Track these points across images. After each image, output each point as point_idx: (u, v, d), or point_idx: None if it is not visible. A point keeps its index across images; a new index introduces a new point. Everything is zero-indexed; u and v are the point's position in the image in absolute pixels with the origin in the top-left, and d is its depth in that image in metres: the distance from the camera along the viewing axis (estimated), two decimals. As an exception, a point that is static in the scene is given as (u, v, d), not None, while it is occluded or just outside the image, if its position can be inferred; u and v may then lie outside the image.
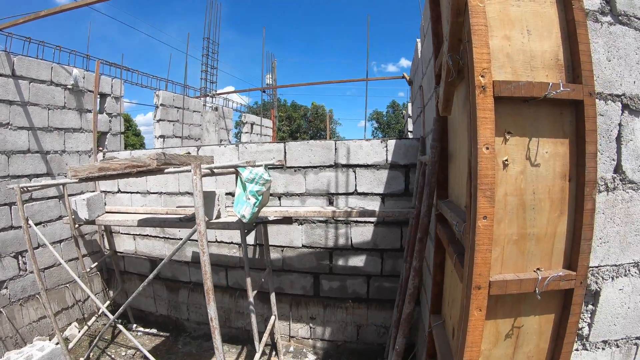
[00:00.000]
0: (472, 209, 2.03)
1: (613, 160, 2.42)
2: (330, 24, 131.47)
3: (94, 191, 7.82)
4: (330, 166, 6.74)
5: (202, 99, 16.74)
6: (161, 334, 8.00)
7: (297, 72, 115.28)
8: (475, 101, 1.96)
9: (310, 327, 7.22)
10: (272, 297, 6.68)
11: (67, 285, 7.74)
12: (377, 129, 52.34)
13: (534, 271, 2.14)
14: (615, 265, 2.46)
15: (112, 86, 9.41)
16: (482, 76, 1.95)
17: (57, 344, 5.90)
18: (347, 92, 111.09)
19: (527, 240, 2.14)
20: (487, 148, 1.93)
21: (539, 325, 2.27)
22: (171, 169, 4.43)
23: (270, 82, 25.65)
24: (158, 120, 13.03)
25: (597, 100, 2.32)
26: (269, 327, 6.51)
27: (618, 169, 2.42)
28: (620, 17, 2.42)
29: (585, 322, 2.51)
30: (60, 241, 7.75)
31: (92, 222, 6.68)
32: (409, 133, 14.71)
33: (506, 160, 2.07)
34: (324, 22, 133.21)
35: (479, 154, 1.94)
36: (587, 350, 2.55)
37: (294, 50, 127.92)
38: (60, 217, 7.69)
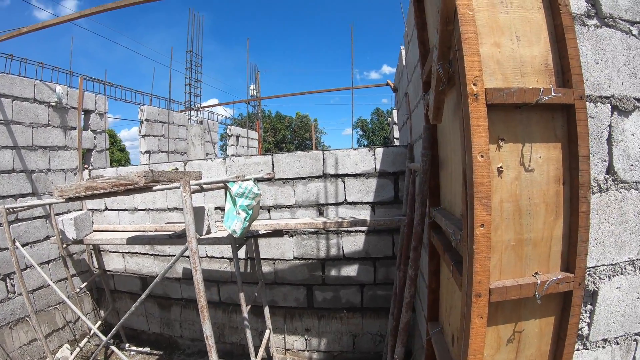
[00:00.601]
0: (468, 217, 2.03)
1: (605, 161, 2.44)
2: (313, 33, 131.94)
3: (80, 210, 7.75)
4: (318, 177, 6.74)
5: (187, 112, 16.72)
6: (155, 352, 7.91)
7: (281, 82, 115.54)
8: (468, 109, 1.96)
9: (306, 339, 7.18)
10: (266, 310, 6.64)
11: (57, 306, 7.63)
12: (362, 136, 52.56)
13: (533, 275, 2.14)
14: (612, 265, 2.49)
15: (95, 102, 9.37)
16: (474, 84, 1.95)
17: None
18: (330, 100, 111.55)
19: (524, 245, 2.14)
20: (482, 156, 1.93)
21: (540, 328, 2.27)
22: (159, 186, 4.40)
23: (255, 93, 25.68)
24: (143, 136, 12.96)
25: (587, 102, 2.34)
26: (264, 341, 6.46)
27: (610, 169, 2.44)
28: (606, 20, 2.46)
29: (585, 322, 2.53)
30: (48, 261, 7.64)
31: (80, 242, 6.64)
32: (394, 140, 14.75)
33: (501, 167, 2.07)
34: (307, 31, 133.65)
35: (474, 163, 1.94)
36: (587, 349, 2.56)
37: (278, 60, 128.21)
38: (47, 237, 7.58)
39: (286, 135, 45.68)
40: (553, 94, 2.00)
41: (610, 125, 2.44)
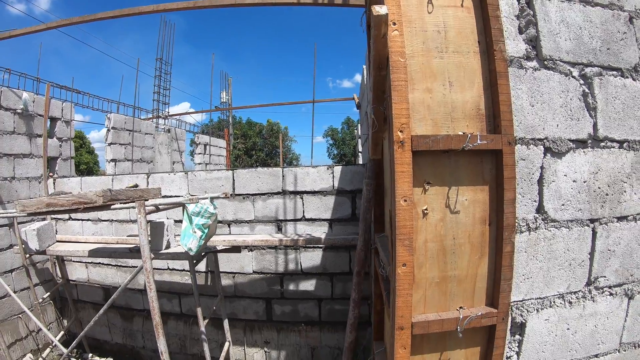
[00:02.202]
0: (393, 256, 2.14)
1: (535, 201, 2.53)
2: (287, 42, 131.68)
3: (44, 219, 7.74)
4: (278, 193, 6.82)
5: (154, 120, 16.62)
6: (117, 362, 7.90)
7: (254, 89, 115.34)
8: (393, 155, 2.06)
9: (265, 352, 7.24)
10: (225, 323, 6.70)
11: (20, 315, 7.55)
12: (332, 145, 52.33)
13: (457, 310, 2.25)
14: (540, 298, 2.57)
15: (62, 110, 9.33)
16: (400, 131, 2.05)
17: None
18: (302, 108, 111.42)
19: (448, 282, 2.24)
20: (405, 200, 2.04)
21: (466, 358, 2.38)
22: (118, 205, 4.46)
23: (226, 99, 25.61)
24: (109, 144, 12.88)
25: (519, 145, 2.43)
26: (223, 353, 6.50)
27: (540, 209, 2.53)
28: (546, 62, 2.53)
29: (514, 350, 2.61)
30: (11, 270, 7.57)
31: (43, 253, 6.64)
32: (359, 153, 14.87)
33: (426, 209, 2.17)
34: (280, 40, 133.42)
35: (397, 206, 2.04)
36: (516, 377, 2.65)
37: (251, 67, 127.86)
38: (11, 246, 7.51)
39: (256, 142, 45.35)
40: (479, 141, 2.10)
41: (542, 167, 2.52)
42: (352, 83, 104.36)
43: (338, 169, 6.62)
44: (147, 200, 4.57)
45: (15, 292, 6.71)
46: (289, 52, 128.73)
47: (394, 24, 2.10)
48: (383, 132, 2.87)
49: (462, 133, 2.18)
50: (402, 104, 2.07)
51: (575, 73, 2.59)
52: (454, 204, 2.20)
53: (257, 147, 45.37)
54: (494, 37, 2.22)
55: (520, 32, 2.53)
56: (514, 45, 2.50)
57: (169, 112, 18.07)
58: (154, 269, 5.09)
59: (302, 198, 6.75)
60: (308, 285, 6.93)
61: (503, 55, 2.21)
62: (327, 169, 6.67)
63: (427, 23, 2.26)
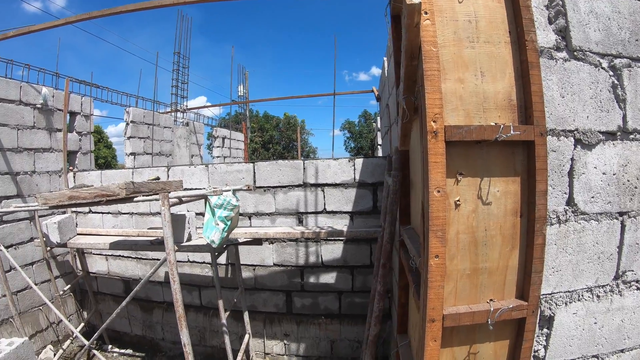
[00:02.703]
0: (425, 248, 2.12)
1: (565, 193, 2.49)
2: (302, 34, 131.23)
3: (65, 212, 7.77)
4: (299, 185, 6.82)
5: (173, 114, 16.64)
6: (137, 354, 7.96)
7: (270, 82, 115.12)
8: (427, 146, 2.04)
9: (285, 344, 7.26)
10: (246, 315, 6.72)
11: (41, 307, 7.64)
12: (349, 138, 52.26)
13: (487, 302, 2.23)
14: (569, 292, 2.55)
15: (81, 104, 9.40)
16: (434, 121, 2.03)
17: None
18: (318, 101, 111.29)
19: (479, 274, 2.22)
20: (439, 191, 2.02)
21: (494, 351, 2.35)
22: (140, 197, 4.47)
23: (243, 92, 25.62)
24: (129, 138, 12.92)
25: (549, 136, 2.39)
26: (243, 345, 6.53)
27: (570, 201, 2.49)
28: (575, 53, 2.48)
29: (541, 344, 2.59)
30: (32, 263, 7.65)
31: (64, 245, 6.69)
32: (378, 146, 14.80)
33: (458, 200, 2.14)
34: (296, 32, 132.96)
35: (430, 197, 2.02)
36: (543, 371, 2.63)
37: (267, 60, 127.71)
38: (31, 239, 7.59)
39: (273, 135, 45.40)
40: (512, 132, 2.06)
41: (572, 159, 2.48)
42: (368, 76, 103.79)
43: (359, 161, 6.61)
44: (169, 192, 4.57)
45: (36, 284, 6.75)
46: (304, 45, 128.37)
47: (426, 13, 2.07)
48: (412, 123, 2.85)
49: (494, 124, 2.15)
50: (435, 94, 2.05)
51: (605, 64, 2.55)
52: (485, 195, 2.17)
53: (274, 140, 45.42)
54: (525, 27, 2.18)
55: (550, 22, 2.49)
56: (544, 35, 2.47)
57: (187, 106, 18.04)
58: (175, 261, 5.10)
59: (323, 190, 6.74)
60: (328, 277, 6.94)
61: (534, 45, 2.18)
62: (349, 161, 6.65)
63: (457, 13, 2.22)
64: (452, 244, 2.17)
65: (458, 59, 2.21)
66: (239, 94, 24.97)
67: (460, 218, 2.17)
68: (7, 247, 6.33)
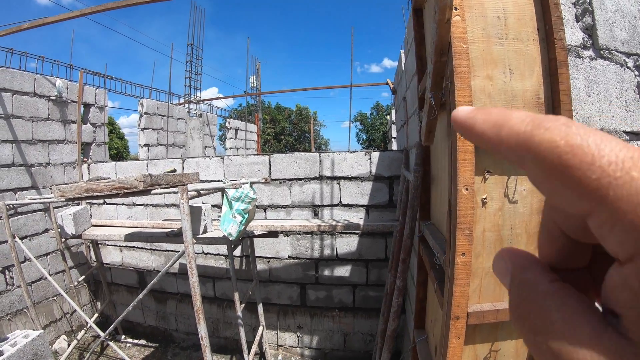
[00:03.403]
0: (451, 245, 2.11)
1: (581, 194, 2.46)
2: (315, 25, 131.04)
3: (79, 203, 7.79)
4: (314, 178, 6.81)
5: (186, 105, 16.63)
6: (150, 344, 8.00)
7: (282, 73, 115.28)
8: (456, 144, 2.03)
9: (298, 336, 7.28)
10: (260, 308, 6.74)
11: (55, 298, 7.69)
12: (361, 130, 52.02)
13: (512, 300, 2.22)
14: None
15: (95, 96, 9.38)
16: (463, 119, 2.01)
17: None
18: (330, 93, 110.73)
19: (504, 273, 2.21)
20: (467, 189, 2.01)
21: (516, 349, 2.35)
22: (158, 190, 4.47)
23: (255, 84, 25.63)
24: (142, 129, 12.92)
25: (576, 136, 2.38)
26: (257, 337, 6.56)
27: (594, 201, 2.47)
28: (602, 52, 2.45)
29: (564, 342, 2.58)
30: (47, 254, 7.69)
31: (79, 237, 6.71)
32: (392, 139, 14.75)
33: (485, 198, 2.13)
34: (308, 24, 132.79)
35: (458, 195, 2.01)
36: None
37: (279, 51, 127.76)
38: (46, 230, 7.63)
39: (285, 127, 45.27)
40: (540, 130, 2.05)
41: None
42: (380, 68, 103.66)
43: (375, 155, 6.59)
44: (186, 185, 4.57)
45: (50, 275, 6.77)
46: (316, 36, 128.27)
47: (456, 9, 2.05)
48: (436, 118, 2.83)
49: (522, 122, 2.12)
50: (464, 91, 2.03)
51: (630, 64, 2.51)
52: (512, 193, 2.16)
53: (286, 131, 45.28)
54: (554, 25, 2.15)
55: (577, 20, 2.46)
56: (571, 33, 2.44)
57: (200, 97, 18.03)
58: (190, 253, 5.10)
59: (339, 183, 6.73)
60: (343, 271, 6.94)
61: (563, 43, 2.14)
62: (365, 154, 6.63)
63: (486, 9, 2.20)
64: (478, 241, 2.16)
65: (487, 56, 2.18)
66: (251, 85, 24.99)
67: (487, 216, 2.16)
68: (22, 239, 6.35)
